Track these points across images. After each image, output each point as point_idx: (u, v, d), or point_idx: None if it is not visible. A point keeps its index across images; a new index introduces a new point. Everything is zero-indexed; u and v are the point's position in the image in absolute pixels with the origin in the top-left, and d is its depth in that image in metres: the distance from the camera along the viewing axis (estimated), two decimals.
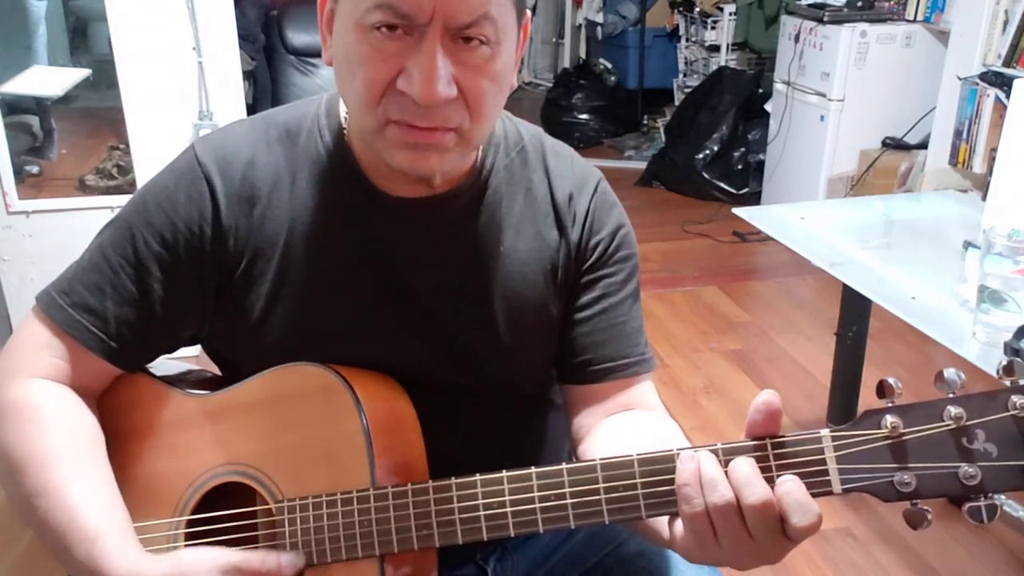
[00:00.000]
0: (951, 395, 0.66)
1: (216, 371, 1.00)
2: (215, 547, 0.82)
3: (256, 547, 0.85)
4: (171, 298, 0.89)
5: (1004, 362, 0.65)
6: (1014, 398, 0.64)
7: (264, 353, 0.89)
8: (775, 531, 0.68)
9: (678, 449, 0.72)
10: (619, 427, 0.92)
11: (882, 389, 0.68)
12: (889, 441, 0.67)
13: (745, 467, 0.69)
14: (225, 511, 0.88)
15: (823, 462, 0.68)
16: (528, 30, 0.86)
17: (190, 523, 0.88)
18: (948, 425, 0.66)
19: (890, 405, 0.68)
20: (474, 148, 0.87)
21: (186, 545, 0.88)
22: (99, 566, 0.80)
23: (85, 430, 0.89)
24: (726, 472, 0.69)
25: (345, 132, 0.90)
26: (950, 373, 0.66)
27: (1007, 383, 0.66)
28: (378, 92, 0.77)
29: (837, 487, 0.68)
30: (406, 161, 0.80)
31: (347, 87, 0.81)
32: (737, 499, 0.68)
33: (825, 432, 0.69)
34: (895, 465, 0.67)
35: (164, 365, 0.98)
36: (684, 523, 0.71)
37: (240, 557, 0.81)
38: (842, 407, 2.41)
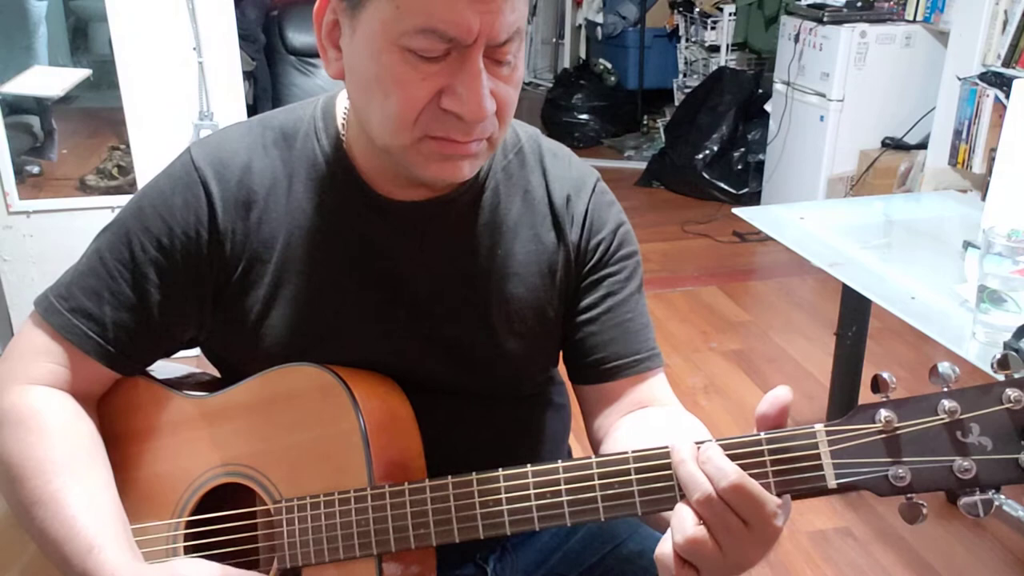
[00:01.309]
0: (945, 389, 0.66)
1: (216, 374, 1.00)
2: (211, 560, 0.83)
3: (251, 553, 0.85)
4: (169, 303, 0.89)
5: (998, 356, 0.65)
6: (1008, 391, 0.64)
7: (262, 356, 0.89)
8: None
9: (673, 446, 0.72)
10: (637, 425, 0.92)
11: (876, 384, 0.68)
12: (883, 435, 0.67)
13: (715, 458, 0.69)
14: (224, 512, 0.89)
15: (817, 456, 0.68)
16: None
17: (189, 524, 0.89)
18: (942, 419, 0.66)
19: (884, 400, 0.68)
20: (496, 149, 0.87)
21: (185, 546, 0.88)
22: None
23: (84, 437, 0.88)
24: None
25: (343, 136, 0.89)
26: (944, 367, 0.66)
27: (1001, 377, 0.66)
28: (416, 112, 0.77)
29: (831, 481, 0.68)
30: (441, 172, 0.81)
31: (375, 107, 0.79)
32: (717, 491, 0.67)
33: (819, 427, 0.69)
34: (889, 459, 0.67)
35: (164, 368, 0.98)
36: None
37: (235, 573, 0.82)
38: (842, 407, 2.40)
